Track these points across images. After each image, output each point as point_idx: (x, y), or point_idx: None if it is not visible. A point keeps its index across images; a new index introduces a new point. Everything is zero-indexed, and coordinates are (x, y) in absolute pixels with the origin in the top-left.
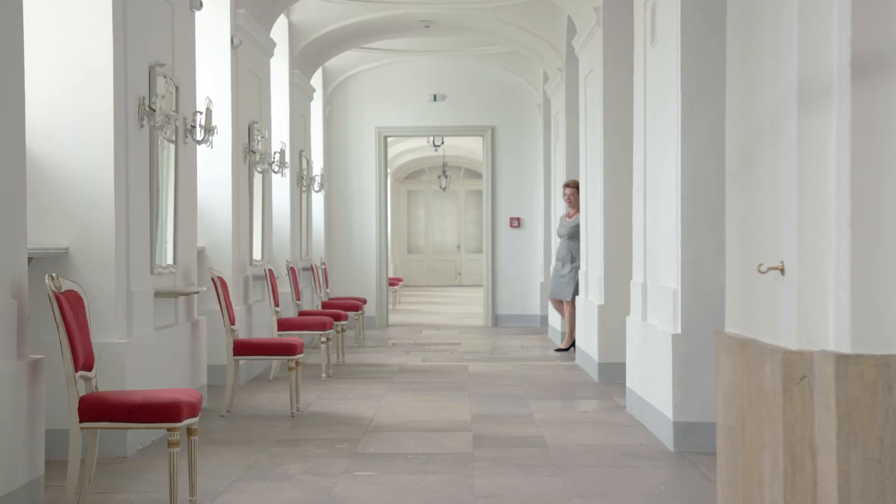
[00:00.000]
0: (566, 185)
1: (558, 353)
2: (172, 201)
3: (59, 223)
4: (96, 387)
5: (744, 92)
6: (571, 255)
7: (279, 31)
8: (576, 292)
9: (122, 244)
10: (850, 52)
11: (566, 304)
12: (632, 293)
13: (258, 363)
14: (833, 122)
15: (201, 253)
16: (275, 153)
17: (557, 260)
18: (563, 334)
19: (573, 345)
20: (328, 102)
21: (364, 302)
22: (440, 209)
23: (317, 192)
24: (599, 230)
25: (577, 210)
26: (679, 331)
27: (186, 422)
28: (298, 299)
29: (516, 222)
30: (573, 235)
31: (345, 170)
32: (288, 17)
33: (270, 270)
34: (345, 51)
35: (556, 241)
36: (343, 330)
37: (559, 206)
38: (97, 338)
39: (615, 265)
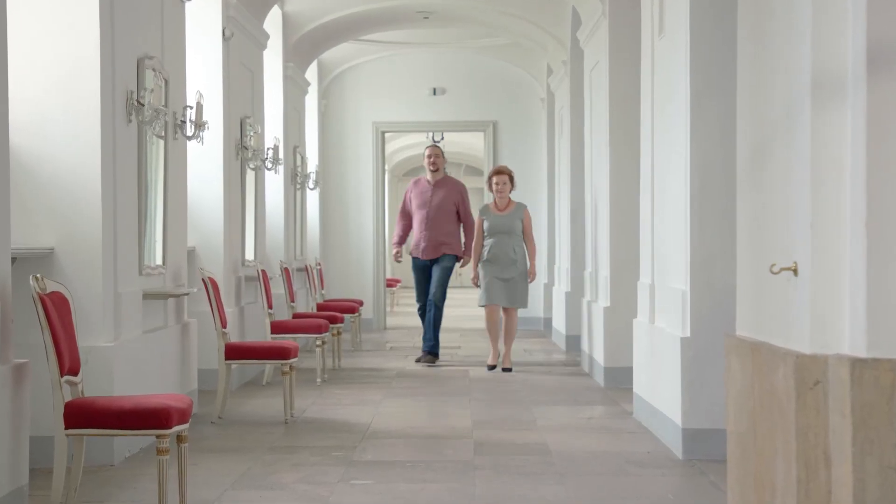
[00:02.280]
0: (501, 173)
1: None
2: (161, 199)
3: (43, 222)
4: (82, 392)
5: (755, 86)
6: (522, 255)
7: (272, 22)
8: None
9: (109, 244)
10: (866, 44)
11: (512, 311)
12: (639, 294)
13: (251, 367)
14: (848, 116)
15: (191, 253)
16: (268, 149)
17: (494, 263)
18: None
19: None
20: (324, 96)
21: (361, 304)
22: None
23: (312, 189)
24: (605, 229)
25: (509, 202)
26: (688, 333)
27: (176, 428)
28: (293, 301)
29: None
30: (517, 231)
31: (341, 166)
32: (282, 7)
33: (263, 271)
34: (341, 43)
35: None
36: (339, 333)
37: (564, 204)
38: (83, 341)
39: (621, 265)
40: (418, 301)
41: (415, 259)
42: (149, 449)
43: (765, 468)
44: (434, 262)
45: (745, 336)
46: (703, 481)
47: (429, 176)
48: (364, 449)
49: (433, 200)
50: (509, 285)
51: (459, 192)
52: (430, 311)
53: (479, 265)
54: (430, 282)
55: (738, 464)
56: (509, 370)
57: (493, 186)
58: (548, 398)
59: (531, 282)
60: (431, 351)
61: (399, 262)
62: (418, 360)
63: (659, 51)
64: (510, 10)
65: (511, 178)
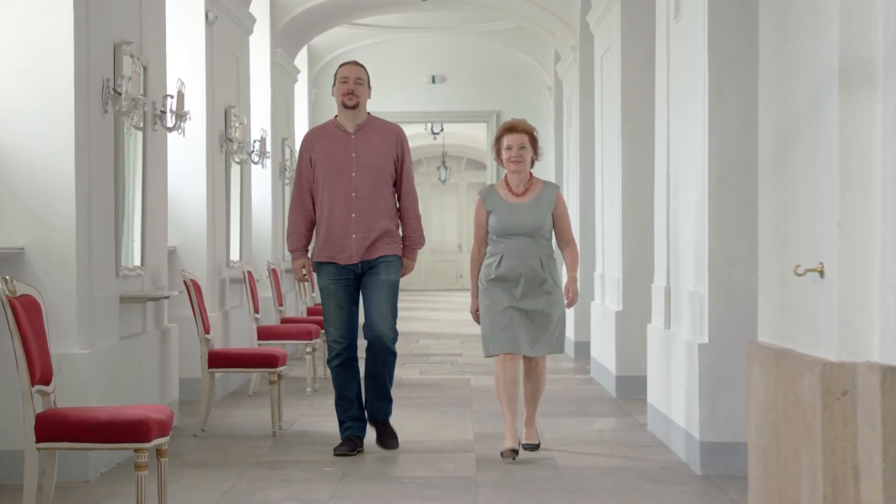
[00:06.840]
0: (517, 130)
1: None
2: (140, 196)
3: (13, 220)
4: (55, 403)
5: (778, 74)
6: (556, 270)
7: (259, 5)
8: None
9: (83, 243)
10: None
11: (538, 359)
12: (653, 298)
13: (236, 376)
14: (878, 107)
15: (172, 253)
16: (254, 142)
17: (508, 284)
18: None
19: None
20: (314, 85)
21: None
22: (439, 204)
23: None
24: (617, 227)
25: (531, 180)
26: (706, 340)
27: (155, 442)
28: (281, 305)
29: None
30: (546, 230)
31: None
32: None
33: (250, 273)
34: (333, 27)
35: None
36: None
37: (573, 201)
38: (56, 348)
39: (634, 267)
40: (336, 343)
41: (328, 267)
42: (126, 464)
43: (789, 484)
44: (367, 269)
45: (767, 342)
46: (722, 498)
47: (345, 117)
48: (357, 464)
49: (359, 158)
50: (535, 320)
51: (398, 139)
52: (375, 360)
53: (482, 287)
54: (356, 305)
55: (761, 480)
56: (535, 447)
57: (505, 153)
58: (555, 409)
59: (570, 307)
60: (385, 421)
61: (307, 281)
62: (348, 451)
63: (675, 35)
64: None
65: (534, 141)
